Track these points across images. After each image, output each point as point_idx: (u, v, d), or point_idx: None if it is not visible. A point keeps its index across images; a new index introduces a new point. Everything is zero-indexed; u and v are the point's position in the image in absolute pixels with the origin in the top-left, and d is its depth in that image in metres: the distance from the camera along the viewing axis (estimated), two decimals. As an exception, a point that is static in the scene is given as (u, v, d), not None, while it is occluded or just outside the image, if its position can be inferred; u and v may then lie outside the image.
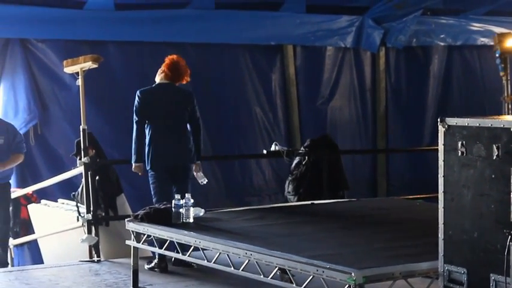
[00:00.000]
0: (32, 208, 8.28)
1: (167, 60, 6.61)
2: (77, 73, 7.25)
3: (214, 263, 4.88)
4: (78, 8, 8.97)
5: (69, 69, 7.42)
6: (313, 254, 4.28)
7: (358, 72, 10.75)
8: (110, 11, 9.12)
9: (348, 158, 9.82)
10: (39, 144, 9.03)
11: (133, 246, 5.63)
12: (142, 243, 5.60)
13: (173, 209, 5.46)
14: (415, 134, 10.86)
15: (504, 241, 3.42)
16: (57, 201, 8.21)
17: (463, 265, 3.65)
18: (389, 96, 10.92)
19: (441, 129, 3.74)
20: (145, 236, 5.47)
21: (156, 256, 6.46)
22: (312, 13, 10.21)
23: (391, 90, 10.95)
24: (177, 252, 5.34)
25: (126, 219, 5.72)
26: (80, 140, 7.25)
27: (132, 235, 5.60)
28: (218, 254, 4.80)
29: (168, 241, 5.31)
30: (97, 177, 7.25)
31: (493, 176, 3.50)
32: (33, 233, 8.30)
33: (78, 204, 7.27)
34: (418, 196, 8.03)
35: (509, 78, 9.52)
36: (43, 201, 8.30)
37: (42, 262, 8.00)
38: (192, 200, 5.51)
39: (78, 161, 7.37)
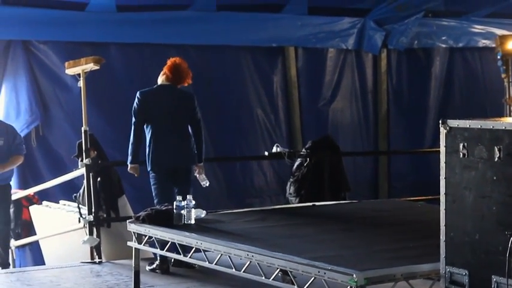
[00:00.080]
0: (34, 209, 8.29)
1: (169, 62, 6.62)
2: (79, 75, 7.26)
3: (215, 264, 4.88)
4: (79, 10, 8.98)
5: (70, 71, 7.42)
6: (314, 256, 4.27)
7: (359, 74, 10.75)
8: (112, 13, 9.13)
9: (350, 160, 9.81)
10: (40, 146, 9.03)
11: (135, 248, 5.63)
12: (143, 245, 5.60)
13: (175, 211, 5.46)
14: (417, 136, 10.86)
15: (506, 243, 3.42)
16: (58, 203, 8.22)
17: (465, 267, 3.65)
18: (391, 98, 10.92)
19: (443, 131, 3.74)
20: (147, 237, 5.48)
21: (158, 257, 6.47)
22: (313, 15, 10.21)
23: (393, 92, 10.95)
24: (178, 253, 5.34)
25: (127, 221, 5.72)
26: (82, 141, 7.26)
27: (134, 236, 5.60)
28: (220, 255, 4.80)
29: (169, 242, 5.31)
30: (98, 179, 7.26)
31: (495, 178, 3.50)
32: (35, 234, 8.30)
33: (80, 206, 7.27)
34: (420, 198, 8.02)
35: (510, 80, 9.53)
36: (45, 202, 8.31)
37: (43, 263, 8.01)
38: (193, 202, 5.51)
39: (79, 163, 7.38)
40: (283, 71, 10.32)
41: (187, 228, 5.30)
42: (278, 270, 4.40)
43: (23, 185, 8.76)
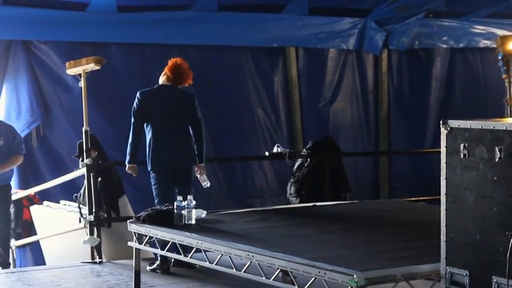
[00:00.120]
0: (34, 209, 8.30)
1: (170, 62, 6.61)
2: (80, 75, 7.26)
3: (216, 264, 4.88)
4: (80, 10, 8.98)
5: (71, 71, 7.43)
6: (315, 256, 4.27)
7: (360, 74, 10.76)
8: (113, 13, 9.13)
9: (350, 160, 9.82)
10: (41, 146, 9.04)
11: (135, 248, 5.63)
12: (144, 245, 5.60)
13: (175, 211, 5.46)
14: (418, 136, 10.87)
15: (506, 243, 3.42)
16: (59, 203, 8.22)
17: (465, 267, 3.65)
18: (392, 98, 10.93)
19: (443, 132, 3.73)
20: (147, 237, 5.48)
21: (158, 258, 6.47)
22: (314, 15, 10.21)
23: (394, 92, 10.95)
24: (179, 253, 5.34)
25: (128, 221, 5.72)
26: (82, 141, 7.26)
27: (134, 236, 5.60)
28: (220, 255, 4.80)
29: (170, 243, 5.31)
30: (99, 179, 7.26)
31: (496, 178, 3.50)
32: (36, 234, 8.31)
33: (80, 206, 7.27)
34: (420, 198, 8.02)
35: (511, 80, 9.52)
36: (45, 202, 8.31)
37: (44, 263, 8.01)
38: (194, 202, 5.50)
39: (80, 163, 7.38)
40: (284, 71, 10.32)
41: (187, 228, 5.30)
42: (278, 270, 4.40)
43: (24, 185, 8.77)
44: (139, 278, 5.78)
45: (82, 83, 7.24)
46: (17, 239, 8.39)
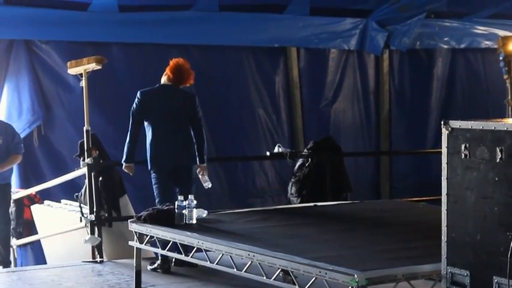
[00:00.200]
0: (35, 209, 8.30)
1: (171, 63, 6.61)
2: (81, 74, 7.27)
3: (217, 264, 4.88)
4: (82, 10, 8.99)
5: (72, 71, 7.43)
6: (316, 256, 4.28)
7: (361, 74, 10.76)
8: (114, 13, 9.14)
9: (351, 160, 9.82)
10: (42, 145, 9.04)
11: (136, 247, 5.64)
12: (145, 244, 5.60)
13: (176, 210, 5.46)
14: (419, 137, 10.86)
15: (507, 244, 3.42)
16: (60, 202, 8.23)
17: (466, 267, 3.65)
18: (393, 98, 10.93)
19: (444, 132, 3.74)
20: (148, 237, 5.48)
21: (159, 257, 6.47)
22: (315, 15, 10.21)
23: (395, 92, 10.96)
24: (180, 253, 5.34)
25: (129, 220, 5.73)
26: (84, 141, 7.27)
27: (135, 236, 5.60)
28: (221, 255, 4.80)
29: (171, 242, 5.32)
30: (100, 178, 7.27)
31: (497, 179, 3.50)
32: (36, 233, 8.31)
33: (81, 205, 7.28)
34: (421, 198, 8.03)
35: (512, 81, 9.53)
36: (46, 201, 8.32)
37: (45, 262, 8.02)
38: (195, 201, 5.51)
39: (81, 162, 7.38)
40: (285, 72, 10.32)
41: (188, 228, 5.30)
42: (279, 270, 4.41)
43: (25, 185, 8.77)
44: (140, 277, 5.78)
45: (83, 83, 7.24)
46: (18, 238, 8.40)
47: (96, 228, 7.15)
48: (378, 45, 10.52)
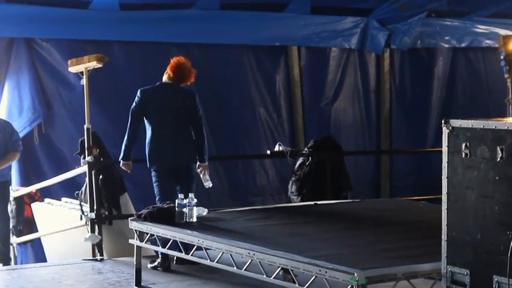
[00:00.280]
0: (36, 206, 8.30)
1: (172, 61, 6.61)
2: (82, 72, 7.27)
3: (217, 262, 4.88)
4: (83, 8, 8.98)
5: (73, 69, 7.43)
6: (316, 254, 4.28)
7: (362, 73, 10.75)
8: (115, 11, 9.13)
9: (352, 159, 9.81)
10: (43, 143, 9.04)
11: (137, 245, 5.64)
12: (145, 242, 5.61)
13: (176, 209, 5.47)
14: (419, 136, 10.86)
15: (507, 243, 3.42)
16: (60, 200, 8.23)
17: (466, 266, 3.65)
18: (394, 97, 10.92)
19: (445, 131, 3.74)
20: (149, 235, 5.48)
21: (159, 255, 6.47)
22: (316, 14, 10.20)
23: (396, 91, 10.95)
24: (180, 251, 5.34)
25: (129, 218, 5.73)
26: (84, 139, 7.27)
27: (136, 234, 5.61)
28: (221, 253, 4.80)
29: (171, 240, 5.32)
30: (100, 176, 7.27)
31: (497, 178, 3.50)
32: (37, 231, 8.32)
33: (82, 203, 7.28)
34: (422, 197, 8.02)
35: (513, 80, 9.52)
36: (46, 199, 8.32)
37: (45, 260, 8.02)
38: (195, 200, 5.52)
39: (82, 160, 7.39)
40: (286, 70, 10.32)
41: (189, 226, 5.31)
42: (279, 268, 4.41)
43: (25, 182, 8.77)
44: (140, 275, 5.79)
45: (84, 81, 7.24)
46: (18, 236, 8.40)
47: (96, 226, 7.15)
48: (378, 44, 10.52)
